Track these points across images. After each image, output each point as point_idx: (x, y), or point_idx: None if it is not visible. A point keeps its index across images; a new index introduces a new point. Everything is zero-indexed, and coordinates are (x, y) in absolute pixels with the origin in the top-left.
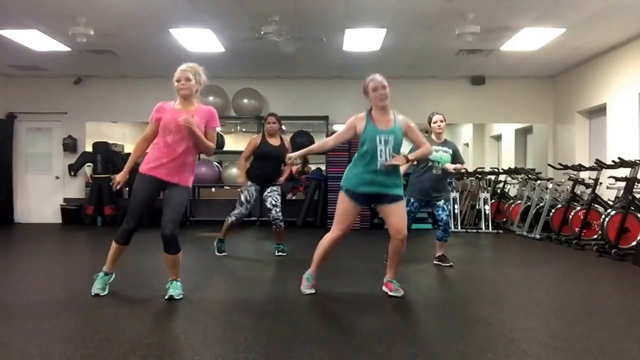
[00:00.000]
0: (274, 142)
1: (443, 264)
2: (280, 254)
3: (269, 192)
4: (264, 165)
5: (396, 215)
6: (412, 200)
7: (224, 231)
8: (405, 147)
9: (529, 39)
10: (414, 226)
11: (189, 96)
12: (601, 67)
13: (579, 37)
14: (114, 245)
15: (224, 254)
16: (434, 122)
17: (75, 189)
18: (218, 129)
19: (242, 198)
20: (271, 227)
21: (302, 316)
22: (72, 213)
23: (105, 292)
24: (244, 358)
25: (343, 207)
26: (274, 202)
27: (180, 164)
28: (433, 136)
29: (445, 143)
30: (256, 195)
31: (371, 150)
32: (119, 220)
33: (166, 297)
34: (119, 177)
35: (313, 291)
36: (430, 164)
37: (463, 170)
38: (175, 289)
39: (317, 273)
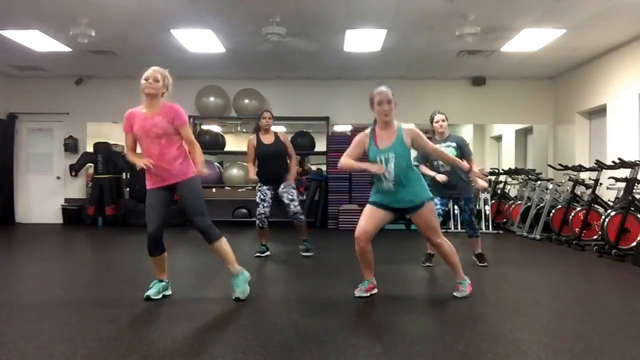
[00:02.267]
0: (268, 139)
1: (479, 263)
2: (305, 254)
3: (283, 189)
4: (266, 165)
5: (422, 224)
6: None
7: (258, 237)
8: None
9: (530, 40)
10: (412, 227)
11: (155, 96)
12: (601, 68)
13: (579, 38)
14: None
15: (259, 254)
16: (436, 122)
17: (76, 189)
18: (219, 129)
19: (257, 198)
20: (280, 226)
21: (302, 316)
22: (73, 213)
23: (158, 297)
24: (244, 358)
25: (365, 211)
26: (290, 197)
27: (167, 162)
28: (436, 136)
29: (448, 138)
30: (270, 194)
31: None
32: (120, 221)
33: (233, 297)
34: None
35: (367, 294)
36: (435, 163)
37: (474, 169)
38: (239, 284)
39: (370, 276)
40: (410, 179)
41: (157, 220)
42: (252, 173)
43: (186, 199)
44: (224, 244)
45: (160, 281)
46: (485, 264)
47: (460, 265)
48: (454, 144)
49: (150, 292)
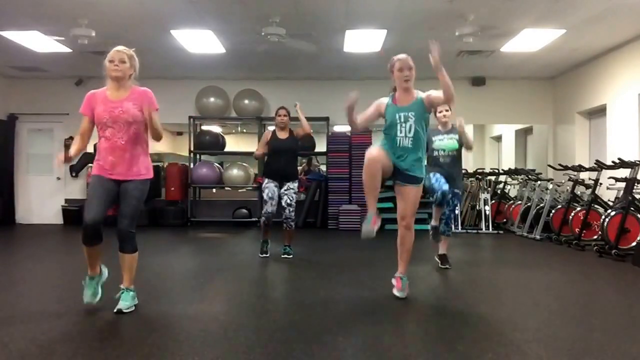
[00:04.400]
0: (283, 135)
1: (441, 265)
2: (285, 256)
3: (285, 190)
4: (276, 160)
5: (406, 199)
6: (430, 175)
7: (261, 233)
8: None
9: (529, 40)
10: (415, 227)
11: (122, 79)
12: (601, 68)
13: (579, 39)
14: (83, 248)
15: (265, 255)
16: (439, 112)
17: (77, 189)
18: (219, 130)
19: (265, 196)
20: (282, 227)
21: (302, 316)
22: (73, 214)
23: (98, 298)
24: (244, 358)
25: (375, 148)
26: (288, 202)
27: (129, 158)
28: (439, 126)
29: (451, 130)
30: (277, 191)
31: (392, 129)
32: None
33: (114, 310)
34: (60, 156)
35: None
36: (435, 153)
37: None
38: (125, 301)
39: (374, 209)
40: (420, 149)
41: (98, 210)
42: (258, 151)
43: (130, 197)
44: (136, 259)
45: (92, 278)
46: (448, 266)
47: None
48: (456, 136)
49: (87, 297)
